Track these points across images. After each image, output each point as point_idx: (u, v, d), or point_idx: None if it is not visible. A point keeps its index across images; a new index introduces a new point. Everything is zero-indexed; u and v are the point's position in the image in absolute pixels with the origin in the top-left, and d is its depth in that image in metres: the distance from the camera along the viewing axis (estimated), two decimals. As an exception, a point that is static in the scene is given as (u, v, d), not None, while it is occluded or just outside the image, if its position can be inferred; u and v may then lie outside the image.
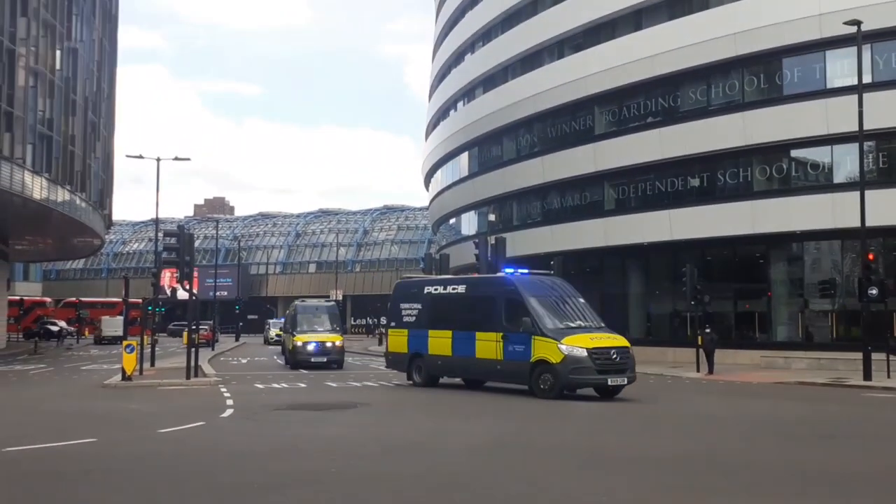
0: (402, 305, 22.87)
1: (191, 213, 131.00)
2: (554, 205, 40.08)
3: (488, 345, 19.72)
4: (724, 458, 11.01)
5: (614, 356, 18.41)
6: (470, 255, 33.93)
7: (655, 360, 31.54)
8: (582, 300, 20.40)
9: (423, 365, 21.94)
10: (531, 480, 9.37)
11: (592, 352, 18.10)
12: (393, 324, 23.48)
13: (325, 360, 29.51)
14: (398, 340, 23.02)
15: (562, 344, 18.11)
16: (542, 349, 18.38)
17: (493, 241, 30.01)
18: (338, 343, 30.24)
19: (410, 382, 22.33)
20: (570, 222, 38.09)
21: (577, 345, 18.14)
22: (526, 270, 21.53)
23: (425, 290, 22.37)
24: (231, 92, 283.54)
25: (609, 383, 18.27)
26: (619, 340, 18.98)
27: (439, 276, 25.22)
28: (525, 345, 18.76)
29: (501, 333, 19.37)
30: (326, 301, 35.93)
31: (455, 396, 19.98)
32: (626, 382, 18.56)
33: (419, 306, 22.23)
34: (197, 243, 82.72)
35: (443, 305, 21.60)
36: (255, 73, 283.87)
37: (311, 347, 29.71)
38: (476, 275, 26.43)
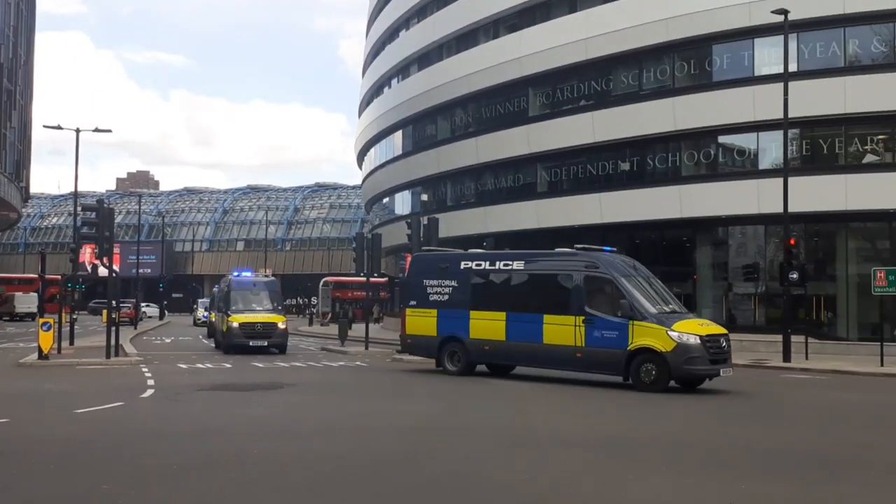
0: (428, 282, 20.08)
1: (113, 188, 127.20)
2: (488, 186, 40.10)
3: (563, 329, 17.42)
4: (651, 436, 11.12)
5: (723, 344, 16.86)
6: (402, 235, 33.70)
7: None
8: (660, 282, 19.00)
9: (462, 351, 19.34)
10: (454, 460, 9.27)
11: (705, 339, 16.36)
12: (413, 303, 20.50)
13: (265, 343, 26.51)
14: (422, 322, 20.12)
15: (672, 330, 16.22)
16: (646, 336, 16.37)
17: (425, 222, 29.82)
18: (280, 325, 26.96)
19: (440, 370, 19.76)
20: (503, 204, 38.17)
21: (688, 331, 16.36)
22: (599, 247, 19.11)
23: (463, 265, 19.70)
24: (157, 62, 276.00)
25: (721, 374, 16.57)
26: (720, 328, 17.66)
27: (479, 251, 22.56)
28: (619, 331, 16.72)
29: (583, 317, 17.24)
30: (265, 276, 32.68)
31: (381, 377, 19.82)
32: (731, 373, 16.96)
33: (454, 284, 19.60)
34: (119, 218, 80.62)
35: (490, 283, 19.21)
36: (183, 43, 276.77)
37: (249, 329, 26.41)
38: (538, 250, 22.64)
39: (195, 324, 51.80)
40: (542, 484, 8.27)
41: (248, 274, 31.34)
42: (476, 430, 11.57)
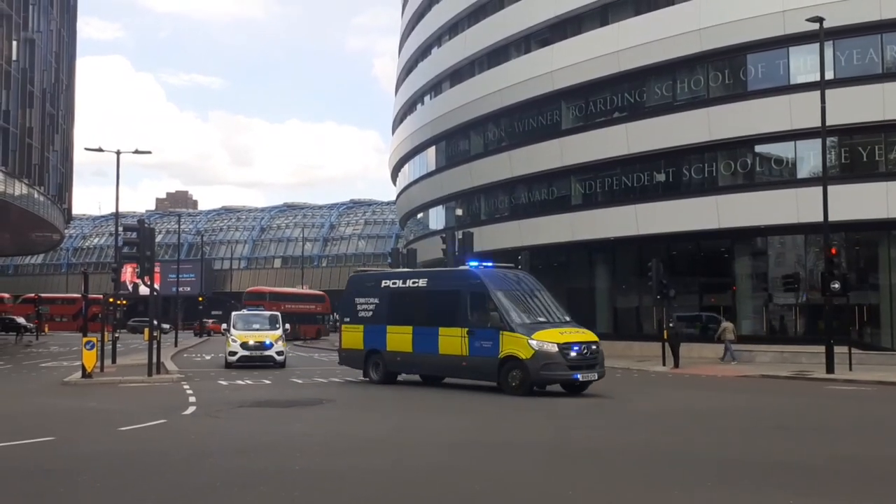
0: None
1: (153, 208, 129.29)
2: (521, 199, 40.08)
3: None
4: (695, 450, 11.00)
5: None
6: (437, 249, 33.79)
7: (622, 355, 31.68)
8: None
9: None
10: (497, 476, 9.26)
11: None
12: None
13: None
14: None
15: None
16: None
17: (460, 236, 29.91)
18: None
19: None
20: (536, 217, 38.11)
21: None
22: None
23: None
24: (195, 84, 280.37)
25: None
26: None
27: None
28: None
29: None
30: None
31: (416, 393, 19.85)
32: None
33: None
34: (159, 238, 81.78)
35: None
36: (220, 65, 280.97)
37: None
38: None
39: (227, 364, 28.32)
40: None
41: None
42: (516, 445, 11.53)
